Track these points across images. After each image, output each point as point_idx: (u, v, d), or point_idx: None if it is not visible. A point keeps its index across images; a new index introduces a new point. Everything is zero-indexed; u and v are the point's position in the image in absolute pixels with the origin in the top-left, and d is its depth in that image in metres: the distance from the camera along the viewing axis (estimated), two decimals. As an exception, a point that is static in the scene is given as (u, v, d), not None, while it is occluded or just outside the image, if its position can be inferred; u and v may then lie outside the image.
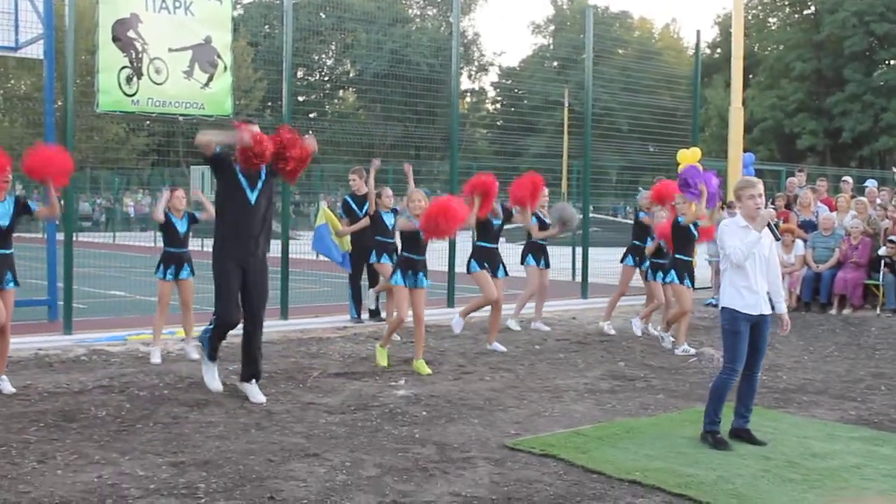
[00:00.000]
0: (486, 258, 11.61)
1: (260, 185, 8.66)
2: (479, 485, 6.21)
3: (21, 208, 8.84)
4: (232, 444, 7.12)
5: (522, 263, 13.23)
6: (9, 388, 8.74)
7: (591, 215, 18.38)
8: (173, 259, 10.48)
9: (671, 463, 6.77)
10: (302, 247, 18.25)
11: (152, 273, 10.80)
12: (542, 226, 12.91)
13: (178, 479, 6.24)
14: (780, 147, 51.95)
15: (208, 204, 10.50)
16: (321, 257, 14.32)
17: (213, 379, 9.00)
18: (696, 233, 11.53)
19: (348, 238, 13.06)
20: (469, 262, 11.68)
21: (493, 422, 7.95)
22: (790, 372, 10.52)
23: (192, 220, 10.71)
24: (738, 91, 17.67)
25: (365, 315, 13.55)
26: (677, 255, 11.60)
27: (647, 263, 12.78)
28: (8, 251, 8.79)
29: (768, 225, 7.21)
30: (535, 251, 13.10)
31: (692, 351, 11.50)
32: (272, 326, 12.26)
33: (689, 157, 17.47)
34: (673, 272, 11.59)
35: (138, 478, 6.25)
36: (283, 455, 6.84)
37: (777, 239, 7.41)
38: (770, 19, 57.83)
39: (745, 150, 17.82)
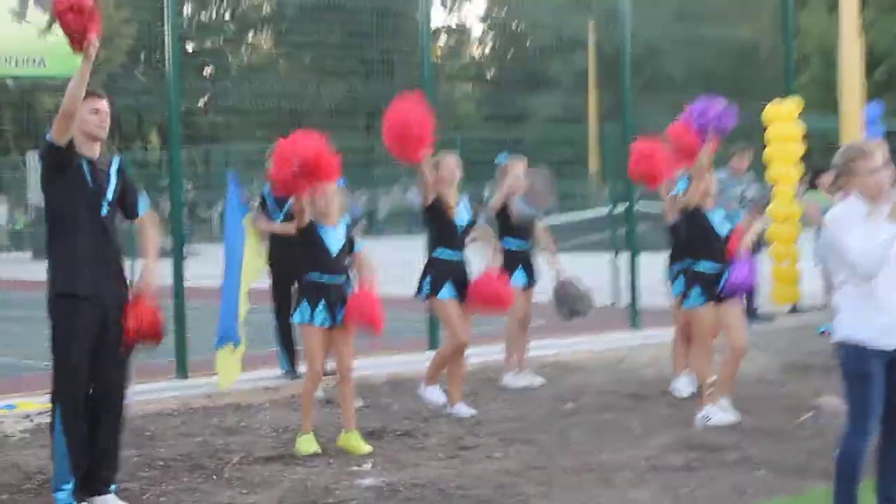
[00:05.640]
0: (450, 276, 11.36)
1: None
2: None
3: None
4: (114, 570, 7.04)
5: None
6: None
7: (636, 208, 18.39)
8: None
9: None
10: (203, 268, 18.15)
11: None
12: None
13: None
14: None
15: None
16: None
17: None
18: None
19: (257, 263, 12.85)
20: (422, 281, 11.46)
21: (512, 520, 7.91)
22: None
23: None
24: (851, 15, 17.72)
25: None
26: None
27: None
28: None
29: None
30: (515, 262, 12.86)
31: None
32: (165, 390, 12.19)
33: (782, 114, 17.53)
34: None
35: None
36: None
37: None
38: None
39: (867, 100, 17.89)
